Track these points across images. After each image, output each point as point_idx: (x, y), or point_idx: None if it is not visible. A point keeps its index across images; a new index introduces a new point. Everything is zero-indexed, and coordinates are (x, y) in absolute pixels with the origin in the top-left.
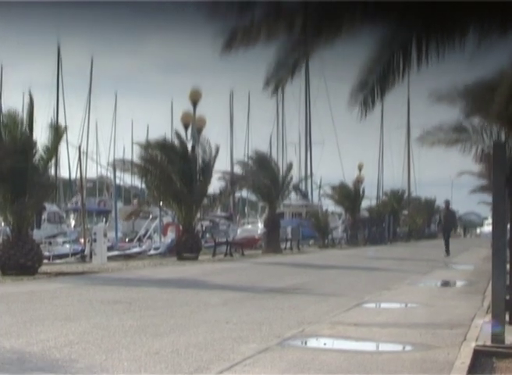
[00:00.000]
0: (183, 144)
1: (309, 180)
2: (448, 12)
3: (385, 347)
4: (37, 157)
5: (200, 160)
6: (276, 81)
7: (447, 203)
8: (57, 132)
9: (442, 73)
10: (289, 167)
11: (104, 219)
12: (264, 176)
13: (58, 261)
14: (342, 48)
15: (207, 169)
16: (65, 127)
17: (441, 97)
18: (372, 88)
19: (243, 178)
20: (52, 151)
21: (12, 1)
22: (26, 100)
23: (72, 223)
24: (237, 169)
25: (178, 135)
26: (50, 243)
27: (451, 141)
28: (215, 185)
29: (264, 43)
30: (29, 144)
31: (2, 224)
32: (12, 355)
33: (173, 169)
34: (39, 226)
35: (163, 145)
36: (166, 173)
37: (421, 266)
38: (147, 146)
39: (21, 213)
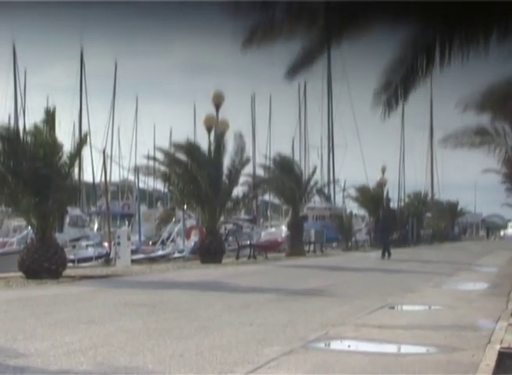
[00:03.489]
0: (208, 147)
1: (332, 183)
2: (472, 12)
3: (409, 349)
4: (61, 162)
5: (227, 163)
6: (297, 68)
7: (387, 201)
8: (81, 137)
9: (466, 74)
10: (314, 171)
11: (126, 223)
12: (287, 180)
13: (82, 264)
14: (365, 48)
15: (233, 172)
16: (88, 132)
17: (468, 105)
18: (396, 89)
19: (266, 181)
20: (76, 155)
21: (36, 2)
22: (50, 104)
23: (96, 226)
24: (260, 172)
25: (210, 141)
26: (74, 246)
27: (474, 144)
28: (238, 188)
29: (285, 40)
30: (52, 148)
31: (28, 229)
32: (36, 358)
33: (199, 172)
34: (61, 230)
35: (189, 148)
36: (191, 176)
37: (445, 268)
38: (174, 148)
39: (45, 217)
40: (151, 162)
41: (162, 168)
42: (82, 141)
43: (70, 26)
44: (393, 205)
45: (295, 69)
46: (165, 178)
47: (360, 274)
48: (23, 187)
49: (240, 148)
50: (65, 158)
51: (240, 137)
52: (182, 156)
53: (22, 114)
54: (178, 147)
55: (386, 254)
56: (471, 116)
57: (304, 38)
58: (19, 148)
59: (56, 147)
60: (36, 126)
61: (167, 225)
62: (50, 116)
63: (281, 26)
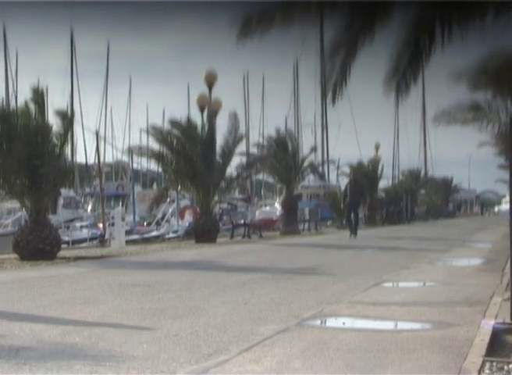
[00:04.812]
0: (202, 126)
1: (326, 162)
2: None
3: (404, 325)
4: (51, 142)
5: (220, 142)
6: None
7: (355, 176)
8: (66, 117)
9: (459, 52)
10: (312, 149)
11: (120, 203)
12: (281, 158)
13: (77, 246)
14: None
15: (227, 152)
16: (80, 113)
17: (460, 76)
18: (404, 74)
19: (260, 160)
20: (65, 135)
21: None
22: (41, 87)
23: (89, 207)
24: (254, 151)
25: (203, 119)
26: (68, 228)
27: (467, 120)
28: (232, 168)
29: (280, 27)
30: (42, 130)
31: (22, 211)
32: (31, 338)
33: (193, 151)
34: (55, 212)
35: (183, 125)
36: (185, 155)
37: (439, 245)
38: (168, 125)
39: (38, 199)
40: (145, 142)
41: (156, 147)
42: (71, 120)
43: (61, 8)
44: (360, 177)
45: None
46: (159, 157)
47: (355, 252)
48: (17, 168)
49: (234, 128)
50: (54, 139)
51: (234, 117)
52: (176, 134)
53: (13, 97)
54: (173, 124)
55: (354, 233)
56: (463, 91)
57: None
58: (11, 129)
59: (46, 128)
60: (25, 107)
61: (160, 205)
62: (39, 96)
63: (274, 14)
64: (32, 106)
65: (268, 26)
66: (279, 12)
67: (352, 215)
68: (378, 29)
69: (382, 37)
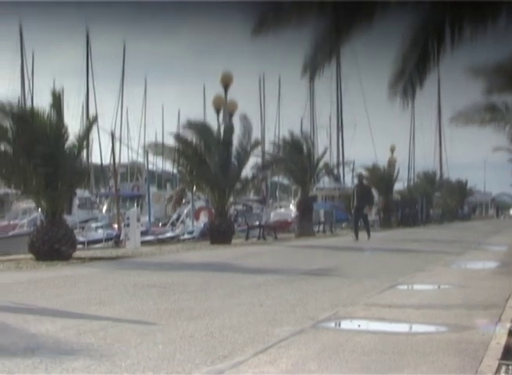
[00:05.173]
0: (218, 127)
1: (341, 163)
2: None
3: (419, 328)
4: (68, 143)
5: (236, 144)
6: (313, 68)
7: (361, 178)
8: (88, 118)
9: (474, 53)
10: (324, 151)
11: (135, 204)
12: (298, 159)
13: (92, 246)
14: (374, 30)
15: (242, 154)
16: (96, 114)
17: (477, 71)
18: (410, 77)
19: (276, 162)
20: (84, 137)
21: None
22: (57, 87)
23: (104, 208)
24: (270, 153)
25: (219, 120)
26: (83, 228)
27: (484, 121)
28: (247, 169)
29: (295, 27)
30: (59, 130)
31: (37, 211)
32: (47, 339)
33: (208, 153)
34: (70, 212)
35: (199, 128)
36: (200, 157)
37: (454, 248)
38: (184, 128)
39: (54, 199)
40: (160, 144)
41: (171, 149)
42: (90, 123)
43: (77, 8)
44: (367, 182)
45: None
46: (175, 160)
47: (370, 254)
48: (34, 168)
49: (247, 131)
50: (72, 140)
51: (245, 119)
52: (191, 137)
53: (29, 97)
54: (188, 126)
55: (368, 235)
56: (479, 92)
57: (315, 27)
58: (28, 129)
59: (62, 128)
60: (43, 109)
61: (180, 206)
62: (57, 99)
63: (290, 15)
64: (49, 107)
65: (283, 25)
66: (293, 11)
67: (360, 218)
68: (386, 28)
69: (392, 38)
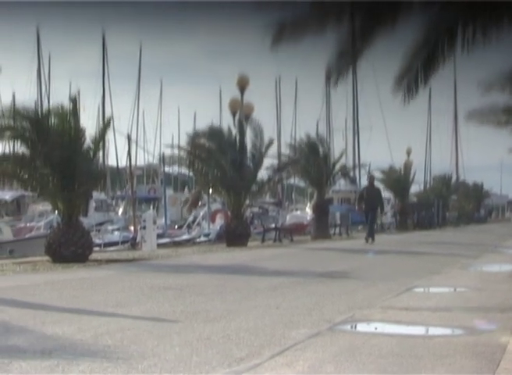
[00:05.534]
0: (231, 131)
1: (357, 166)
2: None
3: (436, 331)
4: (85, 146)
5: (250, 147)
6: (337, 75)
7: (371, 179)
8: (104, 121)
9: (490, 57)
10: (341, 154)
11: (151, 207)
12: (313, 162)
13: (108, 249)
14: (390, 32)
15: (257, 156)
16: (112, 116)
17: (491, 85)
18: (416, 74)
19: (292, 164)
20: (100, 140)
21: None
22: (73, 89)
23: (120, 210)
24: (286, 155)
25: (234, 123)
26: (98, 230)
27: (500, 123)
28: (263, 172)
29: (313, 36)
30: (76, 133)
31: (54, 213)
32: (64, 341)
33: (223, 157)
34: (86, 215)
35: (212, 133)
36: (215, 160)
37: (471, 251)
38: (195, 135)
39: (71, 201)
40: (176, 145)
41: (187, 153)
42: (105, 126)
43: (93, 10)
44: (377, 183)
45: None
46: (190, 164)
47: (387, 256)
48: (51, 171)
49: (259, 132)
50: (88, 142)
51: (253, 121)
52: (206, 141)
53: (46, 99)
54: (202, 133)
55: (370, 238)
56: (494, 97)
57: (335, 34)
58: (45, 131)
59: (79, 132)
60: (60, 111)
61: (196, 208)
62: (74, 102)
63: (307, 22)
64: (65, 111)
65: (302, 34)
66: (312, 19)
67: (368, 220)
68: (400, 29)
69: (407, 37)
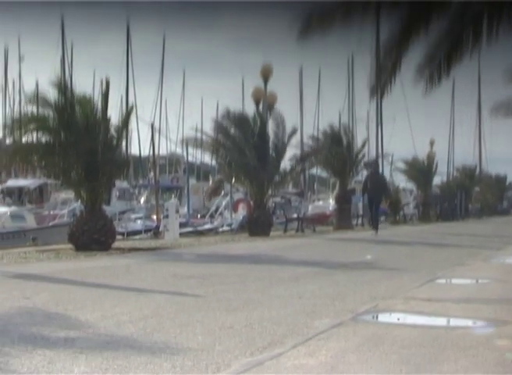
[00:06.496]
0: (256, 119)
1: (380, 157)
2: None
3: (459, 322)
4: (109, 134)
5: (273, 136)
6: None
7: (375, 166)
8: (127, 109)
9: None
10: (364, 143)
11: (173, 196)
12: (336, 152)
13: (131, 237)
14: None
15: (280, 145)
16: (135, 105)
17: None
18: (439, 63)
19: (315, 154)
20: (123, 128)
21: None
22: (98, 78)
23: (143, 199)
24: (309, 145)
25: (257, 112)
26: (119, 219)
27: None
28: (285, 162)
29: (339, 29)
30: (102, 122)
31: (77, 202)
32: (87, 328)
33: (247, 145)
34: (109, 203)
35: (238, 120)
36: (239, 149)
37: (494, 242)
38: (223, 120)
39: (94, 190)
40: (199, 135)
41: (210, 141)
42: (129, 112)
43: (118, 1)
44: (381, 170)
45: None
46: (213, 151)
47: (409, 248)
48: (75, 159)
49: (280, 122)
50: (112, 131)
51: (275, 110)
52: (230, 127)
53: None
54: (227, 117)
55: (375, 230)
56: None
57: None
58: (70, 119)
59: (106, 120)
60: (86, 98)
61: (216, 196)
62: (104, 87)
63: (335, 15)
64: (92, 97)
65: (329, 26)
66: (339, 13)
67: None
68: (432, 22)
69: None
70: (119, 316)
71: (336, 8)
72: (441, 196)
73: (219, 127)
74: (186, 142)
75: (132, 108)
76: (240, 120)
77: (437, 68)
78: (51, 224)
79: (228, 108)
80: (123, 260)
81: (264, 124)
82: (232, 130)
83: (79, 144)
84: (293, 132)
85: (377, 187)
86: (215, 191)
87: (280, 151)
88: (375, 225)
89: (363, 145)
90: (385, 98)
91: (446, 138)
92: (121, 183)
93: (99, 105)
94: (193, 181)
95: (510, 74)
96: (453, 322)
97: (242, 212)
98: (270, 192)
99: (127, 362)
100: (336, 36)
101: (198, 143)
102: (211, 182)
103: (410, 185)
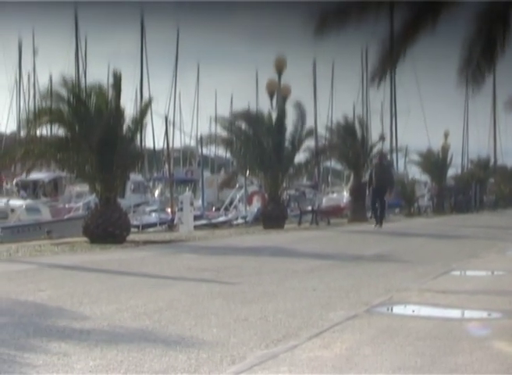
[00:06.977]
0: (270, 112)
1: (395, 149)
2: None
3: (473, 314)
4: (124, 128)
5: (291, 129)
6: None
7: (381, 156)
8: (142, 102)
9: None
10: (380, 137)
11: (187, 189)
12: (350, 145)
13: (146, 230)
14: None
15: (296, 139)
16: (150, 98)
17: None
18: (478, 64)
19: (329, 147)
20: (139, 121)
21: None
22: (112, 71)
23: (157, 192)
24: (323, 137)
25: (276, 104)
26: (134, 212)
27: None
28: (300, 155)
29: (355, 24)
30: (116, 115)
31: (91, 195)
32: (102, 321)
33: (262, 138)
34: (123, 196)
35: (251, 116)
36: (254, 142)
37: (509, 234)
38: (236, 117)
39: (108, 183)
40: (214, 128)
41: (225, 133)
42: (146, 106)
43: None
44: (390, 160)
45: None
46: (228, 144)
47: (423, 240)
48: (89, 152)
49: (302, 117)
50: (128, 123)
51: (299, 105)
52: (244, 124)
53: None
54: (240, 116)
55: (379, 223)
56: None
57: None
58: (84, 113)
59: (120, 112)
60: (99, 92)
61: (229, 188)
62: (117, 80)
63: (350, 12)
64: (106, 90)
65: (344, 22)
66: (354, 9)
67: (377, 202)
68: (445, 17)
69: (452, 25)
70: (133, 309)
71: (352, 4)
72: (455, 188)
73: (233, 123)
74: (200, 135)
75: (150, 100)
76: (253, 116)
77: (477, 68)
78: (66, 217)
79: (241, 102)
80: (138, 253)
81: (281, 116)
82: (246, 125)
83: (93, 137)
84: (310, 132)
85: (382, 179)
86: (227, 183)
87: (296, 144)
88: (379, 219)
89: (380, 139)
90: (382, 86)
91: (461, 130)
92: (135, 176)
93: (113, 99)
94: (207, 174)
95: None
96: (468, 314)
97: (256, 204)
98: (284, 185)
99: (142, 355)
100: (351, 30)
101: (212, 138)
102: (223, 175)
103: (425, 177)
